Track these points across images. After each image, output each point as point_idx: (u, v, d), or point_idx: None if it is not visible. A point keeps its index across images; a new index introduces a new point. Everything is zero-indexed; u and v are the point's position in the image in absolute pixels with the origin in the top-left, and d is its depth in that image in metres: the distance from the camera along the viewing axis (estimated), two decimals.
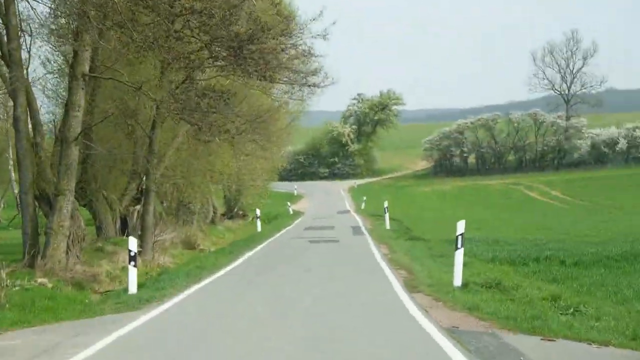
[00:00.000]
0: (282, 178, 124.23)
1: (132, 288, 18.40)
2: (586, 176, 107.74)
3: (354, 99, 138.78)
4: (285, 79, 32.30)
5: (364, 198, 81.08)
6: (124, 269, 21.09)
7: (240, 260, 26.99)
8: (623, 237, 34.08)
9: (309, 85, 33.62)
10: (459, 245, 17.71)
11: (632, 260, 23.60)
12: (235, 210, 66.16)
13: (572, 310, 14.77)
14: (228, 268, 24.25)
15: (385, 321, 13.45)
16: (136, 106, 29.87)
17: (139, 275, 20.51)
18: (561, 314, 14.45)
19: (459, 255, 17.65)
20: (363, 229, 44.50)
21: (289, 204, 76.96)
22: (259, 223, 48.69)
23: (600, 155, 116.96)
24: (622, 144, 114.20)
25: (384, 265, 23.44)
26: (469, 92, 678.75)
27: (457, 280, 17.46)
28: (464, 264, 21.86)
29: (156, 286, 19.09)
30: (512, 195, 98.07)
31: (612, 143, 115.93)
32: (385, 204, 44.41)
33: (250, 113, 32.93)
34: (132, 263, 18.48)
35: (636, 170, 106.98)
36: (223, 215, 61.56)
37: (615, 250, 25.94)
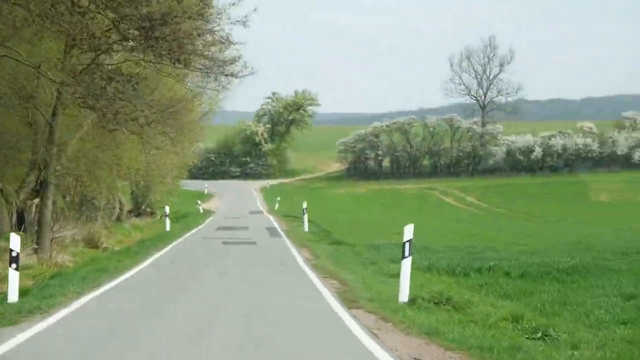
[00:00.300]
0: (193, 176, 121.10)
1: (13, 295, 15.05)
2: (501, 183, 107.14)
3: (268, 97, 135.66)
4: (200, 67, 30.12)
5: (278, 198, 78.70)
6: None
7: (147, 262, 24.02)
8: (552, 246, 32.16)
9: (226, 75, 31.16)
10: (407, 254, 15.05)
11: (585, 273, 21.16)
12: (143, 207, 63.69)
13: (540, 334, 12.39)
14: (133, 271, 21.32)
15: (329, 350, 10.78)
16: (34, 89, 26.72)
17: (31, 276, 17.60)
18: (527, 338, 12.07)
19: (406, 266, 14.97)
20: (279, 230, 41.91)
21: (199, 202, 74.14)
22: (167, 221, 45.63)
23: (515, 163, 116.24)
24: (538, 152, 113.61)
25: (309, 272, 20.80)
26: (382, 97, 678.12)
27: (404, 295, 14.77)
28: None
29: (44, 293, 15.90)
30: (427, 200, 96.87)
31: (527, 151, 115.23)
32: (304, 205, 41.80)
33: (162, 102, 30.37)
34: (14, 265, 15.05)
35: (550, 179, 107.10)
36: (130, 212, 58.93)
37: (561, 261, 23.52)
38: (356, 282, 17.93)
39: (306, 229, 39.72)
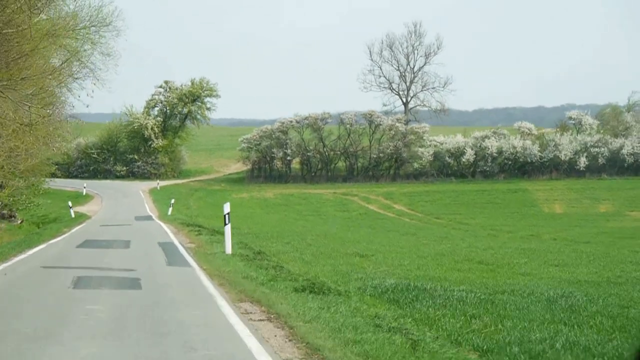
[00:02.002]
0: (71, 175, 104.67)
1: None
2: (429, 189, 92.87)
3: (160, 86, 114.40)
4: None
5: (172, 201, 62.10)
6: None
7: None
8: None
9: None
10: None
11: None
12: None
13: None
14: None
15: None
16: None
17: None
18: None
19: None
20: (182, 249, 25.79)
21: (70, 204, 57.47)
22: None
23: (444, 167, 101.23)
24: (469, 155, 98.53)
25: None
26: (296, 101, 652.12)
27: None
28: None
29: None
30: (348, 207, 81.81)
31: (457, 153, 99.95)
32: (226, 209, 24.60)
33: None
34: None
35: (485, 186, 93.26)
36: None
37: None
38: None
39: (229, 250, 23.46)
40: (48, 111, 27.13)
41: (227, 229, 23.91)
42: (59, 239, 31.91)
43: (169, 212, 56.99)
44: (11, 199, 51.13)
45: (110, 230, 37.26)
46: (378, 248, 33.45)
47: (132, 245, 27.78)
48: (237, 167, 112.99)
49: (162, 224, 44.26)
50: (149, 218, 51.63)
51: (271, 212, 75.69)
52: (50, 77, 26.56)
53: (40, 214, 57.07)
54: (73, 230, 38.55)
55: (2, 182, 45.34)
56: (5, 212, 52.01)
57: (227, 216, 23.99)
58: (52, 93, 27.63)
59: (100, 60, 47.83)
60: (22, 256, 22.58)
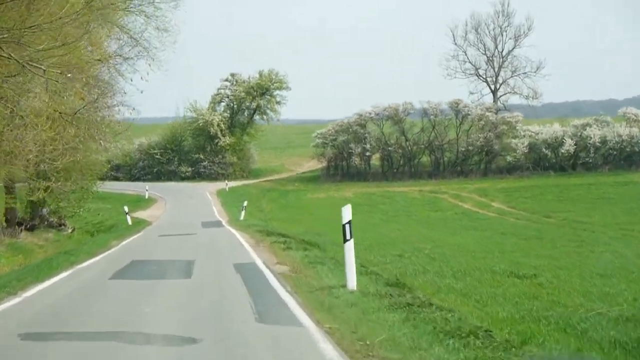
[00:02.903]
0: (133, 177, 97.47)
1: None
2: (527, 184, 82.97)
3: (227, 80, 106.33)
4: None
5: (244, 204, 53.35)
6: None
7: None
8: None
9: None
10: None
11: None
12: (43, 215, 44.83)
13: None
14: None
15: None
16: None
17: None
18: None
19: None
20: (271, 278, 16.77)
21: (126, 210, 49.48)
22: None
23: (540, 159, 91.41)
24: (569, 146, 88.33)
25: None
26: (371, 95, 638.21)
27: None
28: None
29: None
30: (440, 207, 72.31)
31: (555, 144, 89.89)
32: (347, 215, 15.05)
33: None
34: None
35: (588, 179, 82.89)
36: (19, 224, 40.31)
37: None
38: None
39: (352, 284, 14.21)
40: (72, 80, 18.48)
41: (349, 249, 14.45)
42: (96, 259, 23.43)
43: (241, 217, 48.61)
44: (56, 205, 44.15)
45: (170, 244, 29.33)
46: (525, 261, 24.79)
47: (196, 269, 19.15)
48: (311, 165, 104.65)
49: (234, 231, 35.89)
50: (218, 224, 43.41)
51: (354, 213, 66.21)
52: (69, 24, 17.92)
53: (96, 221, 51.63)
54: (123, 243, 30.70)
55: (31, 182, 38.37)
56: (53, 219, 44.95)
57: (347, 227, 14.55)
58: (77, 48, 18.90)
59: (156, 36, 39.90)
60: (13, 301, 13.73)
